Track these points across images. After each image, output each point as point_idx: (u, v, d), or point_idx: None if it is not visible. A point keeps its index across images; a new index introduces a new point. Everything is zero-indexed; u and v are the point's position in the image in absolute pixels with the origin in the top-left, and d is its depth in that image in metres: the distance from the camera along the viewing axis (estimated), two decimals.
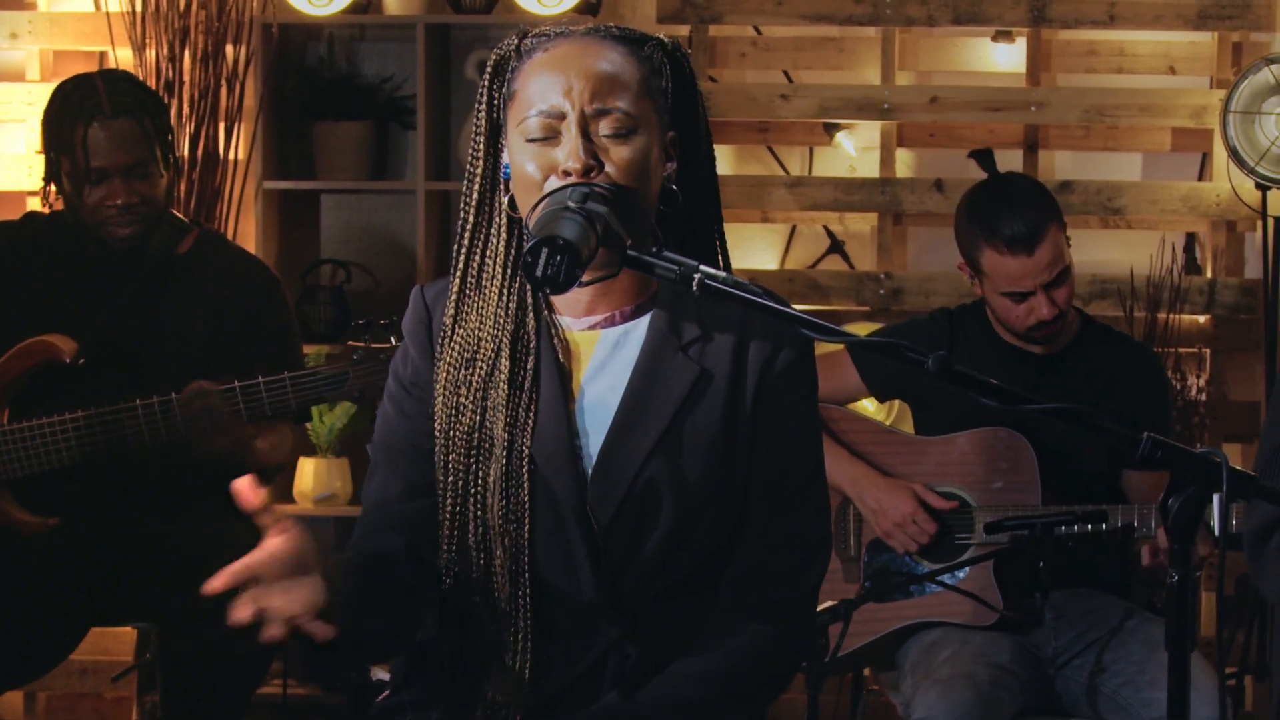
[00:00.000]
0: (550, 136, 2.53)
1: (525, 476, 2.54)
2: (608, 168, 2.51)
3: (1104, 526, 3.94)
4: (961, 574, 4.06)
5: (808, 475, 2.64)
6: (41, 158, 4.31)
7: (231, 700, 4.14)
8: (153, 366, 4.21)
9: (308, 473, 5.72)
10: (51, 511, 4.16)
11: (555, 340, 2.60)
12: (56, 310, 4.24)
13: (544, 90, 2.54)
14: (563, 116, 2.52)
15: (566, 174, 2.50)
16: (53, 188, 4.27)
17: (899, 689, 4.10)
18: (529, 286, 2.60)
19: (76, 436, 4.08)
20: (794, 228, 6.33)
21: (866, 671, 4.42)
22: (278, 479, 4.56)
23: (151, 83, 5.64)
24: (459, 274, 2.63)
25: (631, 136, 2.53)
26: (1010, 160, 5.90)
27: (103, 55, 6.04)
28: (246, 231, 5.80)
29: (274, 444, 4.26)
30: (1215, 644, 5.51)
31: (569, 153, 2.50)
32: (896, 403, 5.16)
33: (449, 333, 2.62)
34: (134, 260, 4.26)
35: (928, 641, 4.05)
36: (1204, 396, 5.79)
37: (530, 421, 2.56)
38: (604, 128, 2.52)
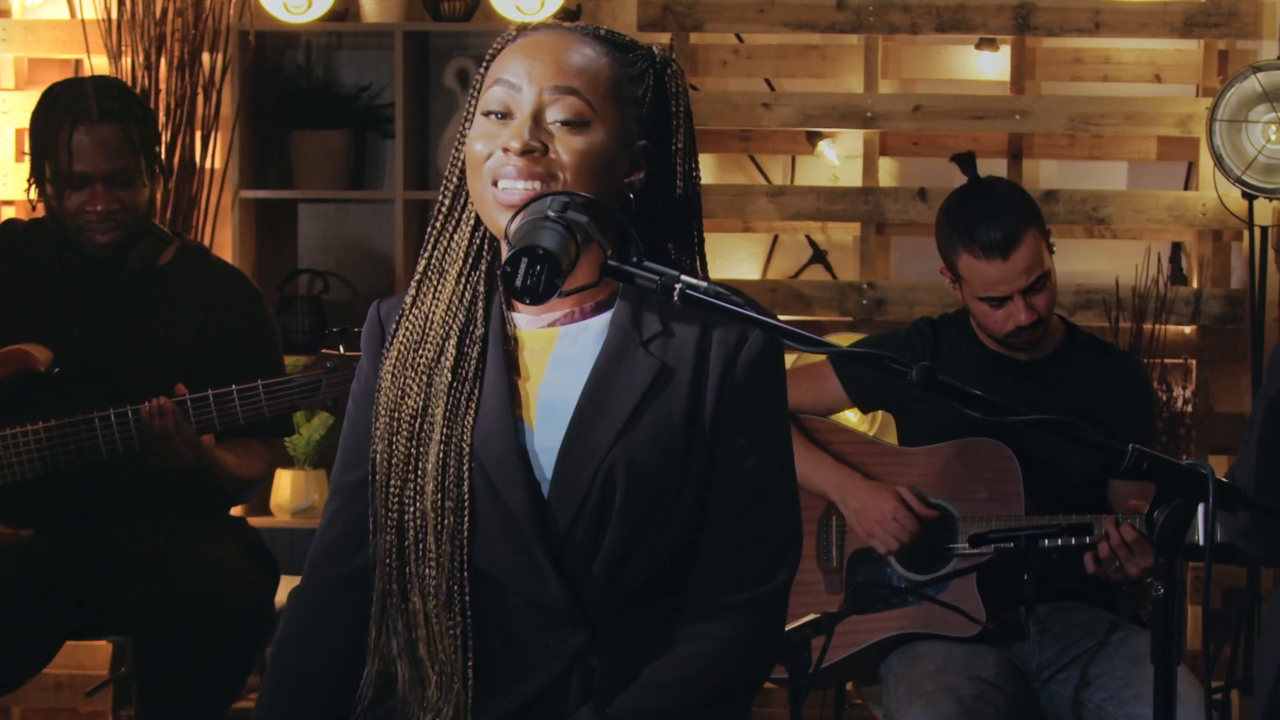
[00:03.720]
0: (504, 114, 2.53)
1: (466, 470, 2.53)
2: (556, 154, 2.50)
3: (1088, 540, 3.92)
4: (945, 585, 4.03)
5: (773, 473, 2.61)
6: (18, 165, 4.28)
7: (207, 714, 4.11)
8: (130, 378, 4.18)
9: (285, 484, 5.69)
10: (26, 523, 4.14)
11: (509, 338, 2.60)
12: (33, 319, 4.21)
13: (510, 66, 2.55)
14: (519, 90, 2.52)
15: (506, 151, 2.49)
16: (34, 192, 4.24)
17: (882, 703, 4.07)
18: (485, 279, 2.61)
19: (49, 445, 4.05)
20: (776, 237, 6.30)
21: (849, 685, 4.40)
22: (254, 494, 4.52)
23: None
24: (425, 256, 2.63)
25: (584, 128, 2.52)
26: (994, 169, 5.87)
27: (78, 63, 6.01)
28: (223, 241, 5.77)
29: (245, 460, 4.23)
30: (1201, 657, 5.48)
31: (513, 131, 2.50)
32: (879, 413, 5.14)
33: (405, 312, 2.62)
34: (114, 271, 4.23)
35: (911, 655, 4.03)
36: (1190, 408, 5.76)
37: (470, 415, 2.55)
38: (556, 113, 2.51)
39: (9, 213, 5.63)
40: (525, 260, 2.34)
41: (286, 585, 4.57)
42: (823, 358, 4.25)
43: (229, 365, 4.19)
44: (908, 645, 4.08)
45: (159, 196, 5.53)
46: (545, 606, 2.54)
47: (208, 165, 5.75)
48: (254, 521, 4.90)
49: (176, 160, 5.68)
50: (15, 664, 4.14)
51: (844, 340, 5.09)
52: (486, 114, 2.54)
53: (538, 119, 2.50)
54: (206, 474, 4.12)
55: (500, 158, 2.50)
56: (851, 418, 5.04)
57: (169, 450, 4.02)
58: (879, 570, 4.17)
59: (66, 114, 4.17)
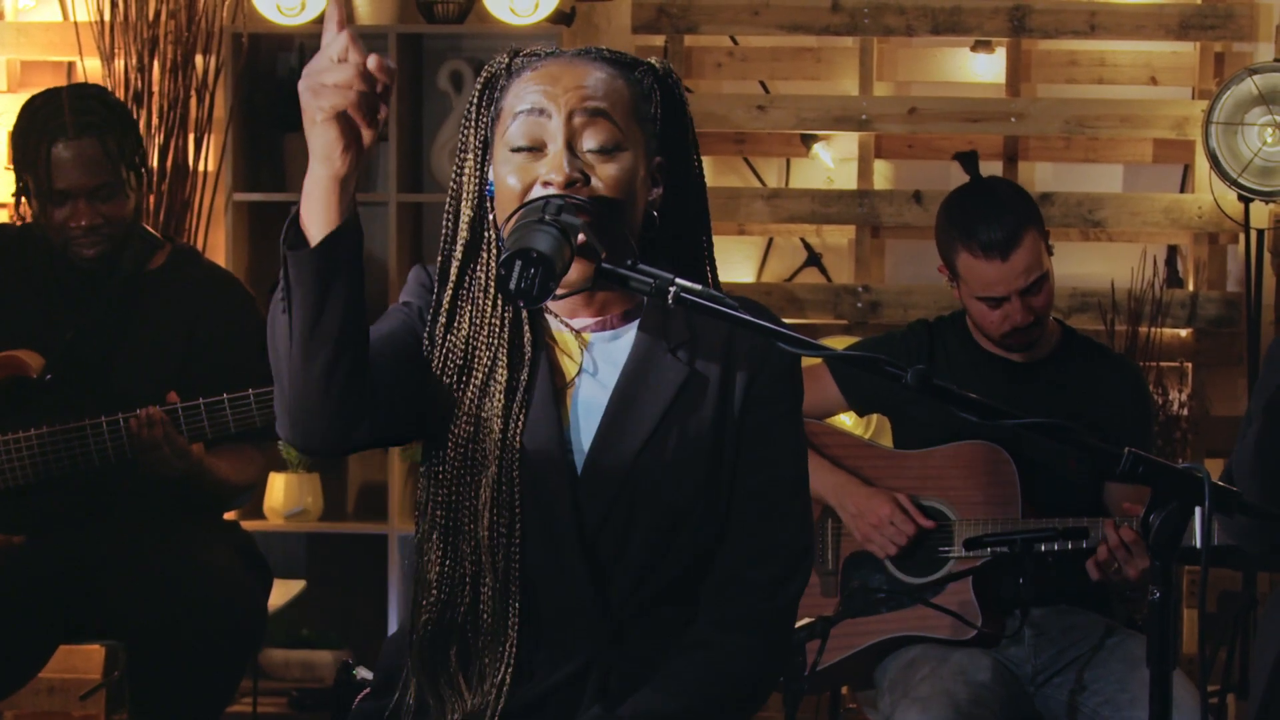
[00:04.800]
0: (534, 148, 2.51)
1: (516, 488, 2.52)
2: (593, 183, 2.50)
3: (1084, 544, 3.91)
4: (941, 589, 4.02)
5: (791, 486, 2.63)
6: (9, 170, 4.26)
7: (201, 718, 4.09)
8: (122, 384, 4.16)
9: (278, 488, 5.68)
10: (17, 529, 4.13)
11: (553, 344, 2.59)
12: (25, 325, 4.19)
13: (530, 96, 2.53)
14: (549, 116, 2.50)
15: (547, 185, 2.48)
16: (24, 207, 4.22)
17: (877, 707, 4.07)
18: None
19: (42, 451, 4.04)
20: (770, 240, 6.30)
21: (844, 689, 4.39)
22: (248, 499, 4.51)
23: (120, 93, 5.59)
24: (452, 287, 2.59)
25: (617, 153, 2.52)
26: (990, 171, 5.85)
27: (71, 66, 5.99)
28: (216, 244, 5.76)
29: (238, 466, 4.22)
30: (1197, 662, 5.47)
31: (552, 165, 2.49)
32: (875, 416, 5.12)
33: (440, 342, 2.58)
34: (105, 276, 4.21)
35: (906, 659, 4.02)
36: (1185, 411, 5.75)
37: (520, 428, 2.53)
38: (589, 141, 2.51)
39: (3, 215, 5.62)
40: (519, 263, 2.35)
41: (279, 589, 4.56)
42: (819, 361, 4.25)
43: (221, 369, 4.17)
44: (903, 649, 4.06)
45: (151, 200, 5.53)
46: (569, 604, 2.54)
47: (201, 168, 5.74)
48: (247, 525, 4.89)
49: (169, 163, 5.67)
50: (9, 669, 4.12)
51: (839, 343, 5.08)
52: (516, 150, 2.52)
53: (572, 148, 2.50)
54: (198, 482, 4.10)
55: (540, 192, 2.49)
56: (847, 421, 5.03)
57: (158, 460, 4.01)
58: (875, 574, 4.16)
59: (44, 130, 4.12)
